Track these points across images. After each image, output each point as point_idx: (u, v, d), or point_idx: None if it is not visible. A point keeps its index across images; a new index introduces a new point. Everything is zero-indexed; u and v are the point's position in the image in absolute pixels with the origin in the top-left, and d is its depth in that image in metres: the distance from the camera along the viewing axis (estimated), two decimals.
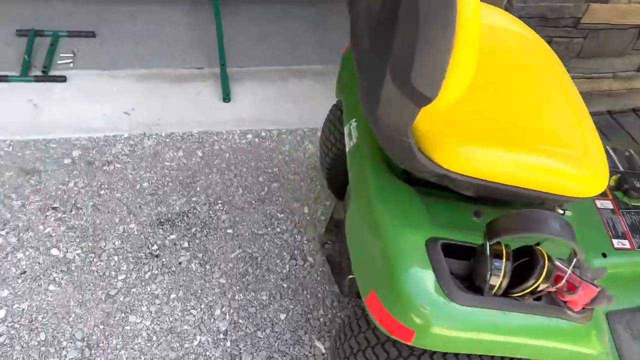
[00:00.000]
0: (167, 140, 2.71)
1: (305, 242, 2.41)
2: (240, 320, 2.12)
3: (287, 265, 2.32)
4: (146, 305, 2.11)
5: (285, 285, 2.26)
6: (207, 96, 2.97)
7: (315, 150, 2.82)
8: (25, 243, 2.21)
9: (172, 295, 2.15)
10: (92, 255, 2.21)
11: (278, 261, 2.33)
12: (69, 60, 2.98)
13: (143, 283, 2.16)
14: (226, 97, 2.93)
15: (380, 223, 1.33)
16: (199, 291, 2.18)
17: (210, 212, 2.45)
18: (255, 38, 3.38)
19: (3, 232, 2.23)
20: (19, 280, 2.10)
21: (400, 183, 1.43)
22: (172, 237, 2.33)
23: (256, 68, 3.20)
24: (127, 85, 2.94)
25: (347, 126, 1.65)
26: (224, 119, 2.86)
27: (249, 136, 2.81)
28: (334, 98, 3.13)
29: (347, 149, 1.63)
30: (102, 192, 2.44)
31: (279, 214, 2.50)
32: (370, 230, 1.36)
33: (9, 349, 1.92)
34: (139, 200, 2.44)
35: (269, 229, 2.43)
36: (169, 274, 2.21)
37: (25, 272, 2.13)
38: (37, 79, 2.84)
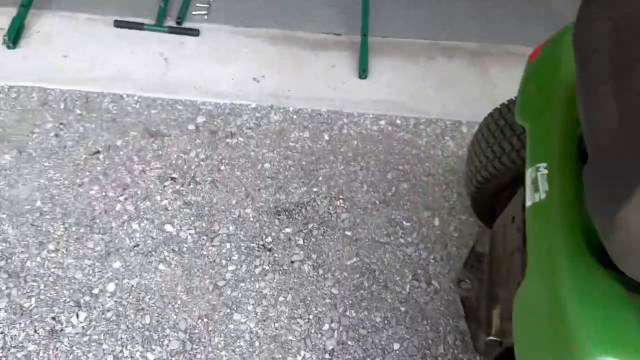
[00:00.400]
0: (295, 117, 2.47)
1: (432, 260, 2.11)
2: (349, 342, 1.91)
3: (408, 286, 2.04)
4: (252, 305, 1.96)
5: (403, 309, 1.99)
6: (343, 69, 2.66)
7: (456, 148, 2.43)
8: (141, 213, 2.13)
9: (281, 298, 1.98)
10: (205, 238, 2.09)
11: (398, 279, 2.06)
12: (204, 12, 2.80)
13: (252, 278, 2.01)
14: (363, 73, 2.60)
15: (574, 332, 0.99)
16: (309, 298, 1.99)
17: (330, 207, 2.21)
18: (404, 3, 2.95)
19: (122, 198, 2.17)
20: (131, 254, 2.04)
21: (604, 274, 1.06)
22: (288, 230, 2.13)
23: (400, 40, 2.80)
24: (259, 46, 2.71)
25: (532, 170, 1.28)
26: (357, 99, 2.56)
27: (382, 122, 2.49)
28: (489, 87, 2.67)
29: (527, 201, 1.27)
30: (222, 167, 2.29)
31: (404, 222, 2.20)
32: (555, 334, 1.03)
33: (114, 326, 1.88)
34: (259, 182, 2.26)
35: (392, 238, 2.15)
36: (280, 272, 2.03)
37: (138, 245, 2.06)
38: (171, 31, 2.70)
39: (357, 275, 2.05)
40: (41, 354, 1.80)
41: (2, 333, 1.83)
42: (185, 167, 2.28)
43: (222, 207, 2.18)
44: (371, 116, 2.50)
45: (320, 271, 2.05)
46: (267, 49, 2.70)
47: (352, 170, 2.32)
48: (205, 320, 1.92)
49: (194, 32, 2.70)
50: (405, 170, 2.34)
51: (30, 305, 1.90)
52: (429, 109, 2.55)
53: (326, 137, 2.42)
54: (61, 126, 2.34)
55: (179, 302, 1.95)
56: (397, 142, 2.43)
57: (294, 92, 2.55)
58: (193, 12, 2.79)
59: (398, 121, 2.50)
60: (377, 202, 2.24)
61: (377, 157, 2.37)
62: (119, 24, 2.69)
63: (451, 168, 2.37)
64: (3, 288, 1.92)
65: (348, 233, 2.15)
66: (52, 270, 1.98)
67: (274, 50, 2.70)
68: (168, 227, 2.11)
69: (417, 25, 2.87)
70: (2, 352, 1.80)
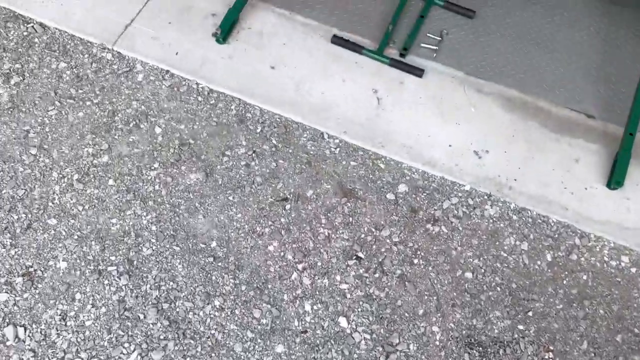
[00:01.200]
0: (515, 217, 2.01)
1: None
2: None
3: None
4: None
5: None
6: (587, 168, 2.11)
7: None
8: (317, 293, 1.86)
9: None
10: (380, 349, 1.78)
11: None
12: (434, 47, 2.35)
13: None
14: (615, 184, 2.05)
15: None
16: None
17: (535, 359, 1.78)
18: None
19: (300, 266, 1.91)
20: (297, 340, 1.79)
21: None
22: None
23: None
24: (489, 109, 2.23)
25: None
26: (598, 216, 2.02)
27: (625, 259, 1.95)
28: None
29: None
30: (416, 260, 1.93)
31: None
32: None
33: None
34: (455, 295, 1.88)
35: None
36: None
37: (306, 331, 1.81)
38: (392, 64, 2.29)
39: None
40: None
41: None
42: (374, 247, 1.95)
43: (407, 315, 1.84)
44: (612, 246, 1.97)
45: None
46: (498, 115, 2.21)
47: (573, 315, 1.85)
48: None
49: (418, 72, 2.27)
50: None
51: None
52: None
53: (548, 258, 1.95)
54: (254, 155, 2.09)
55: None
56: None
57: (520, 184, 2.07)
58: (422, 44, 2.35)
59: None
60: None
61: (608, 306, 1.87)
62: (336, 41, 2.33)
63: None
64: (161, 337, 1.77)
65: None
66: (213, 331, 1.79)
67: (506, 118, 2.21)
68: (342, 321, 1.82)
69: None
70: None
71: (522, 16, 2.46)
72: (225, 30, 2.29)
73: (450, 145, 2.14)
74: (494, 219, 2.01)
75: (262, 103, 2.20)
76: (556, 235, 1.99)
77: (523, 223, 2.01)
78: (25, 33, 2.30)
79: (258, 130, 2.15)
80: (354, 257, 1.93)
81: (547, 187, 2.07)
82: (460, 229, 1.99)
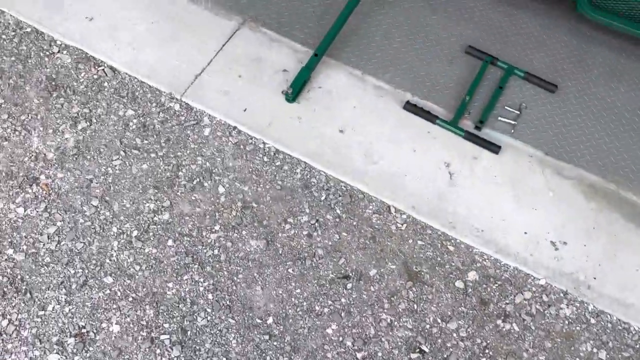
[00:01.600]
0: (592, 321, 1.86)
1: None
2: None
3: None
4: None
5: None
6: None
7: None
8: None
9: None
10: None
11: None
12: (512, 121, 2.23)
13: None
14: None
15: None
16: None
17: None
18: None
19: (359, 355, 1.80)
20: None
21: None
22: None
23: None
24: (569, 195, 2.09)
25: None
26: None
27: None
28: None
29: None
30: (483, 359, 1.81)
31: None
32: None
33: None
34: None
35: None
36: None
37: None
38: (467, 137, 2.18)
39: None
40: None
41: None
42: (439, 340, 1.83)
43: None
44: None
45: None
46: (578, 203, 2.07)
47: None
48: None
49: (494, 148, 2.16)
50: None
51: None
52: None
53: None
54: (316, 225, 2.01)
55: None
56: None
57: (599, 283, 1.93)
58: (499, 117, 2.24)
59: None
60: None
61: None
62: (409, 107, 2.24)
63: None
64: None
65: None
66: None
67: (586, 207, 2.07)
68: None
69: None
70: None
71: (607, 93, 2.32)
72: (297, 90, 2.23)
73: (525, 233, 2.01)
74: (570, 320, 1.87)
75: (328, 169, 2.12)
76: (638, 346, 1.83)
77: (602, 328, 1.86)
78: (95, 76, 2.29)
79: (322, 198, 2.06)
80: (417, 350, 1.81)
81: (630, 290, 1.91)
82: (533, 328, 1.85)
